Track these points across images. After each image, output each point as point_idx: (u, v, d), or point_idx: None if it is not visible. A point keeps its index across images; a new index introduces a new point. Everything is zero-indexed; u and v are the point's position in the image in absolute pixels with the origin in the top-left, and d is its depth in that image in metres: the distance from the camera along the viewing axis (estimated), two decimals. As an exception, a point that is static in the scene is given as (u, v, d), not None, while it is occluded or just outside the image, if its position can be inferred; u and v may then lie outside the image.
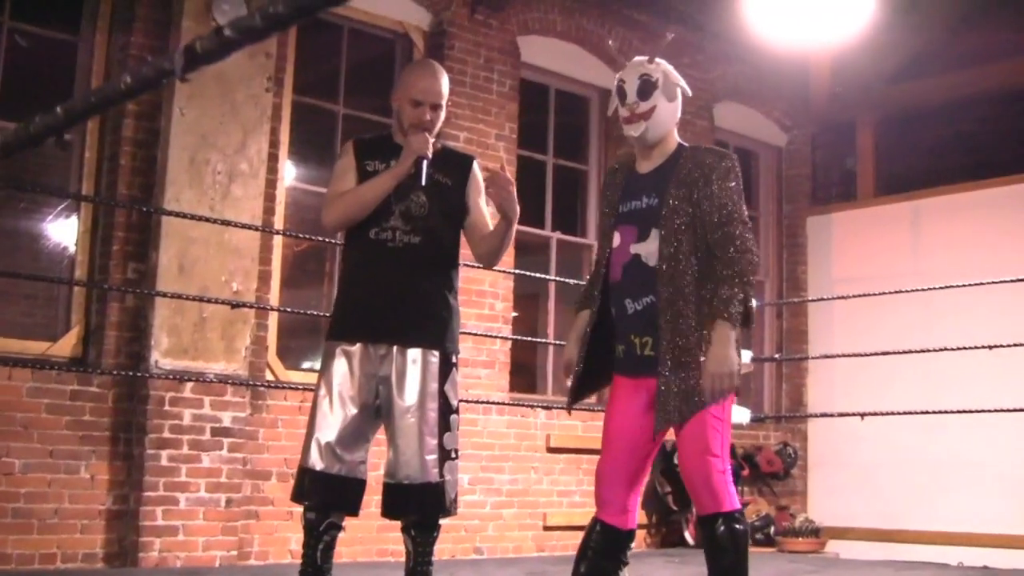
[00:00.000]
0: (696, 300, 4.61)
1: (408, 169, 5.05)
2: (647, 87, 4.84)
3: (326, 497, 5.03)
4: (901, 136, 13.26)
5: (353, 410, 5.02)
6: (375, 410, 5.08)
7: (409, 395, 5.02)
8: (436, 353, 5.09)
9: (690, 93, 5.02)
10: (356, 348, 5.04)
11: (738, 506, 4.67)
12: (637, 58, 5.01)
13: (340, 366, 5.04)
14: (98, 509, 7.79)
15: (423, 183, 5.09)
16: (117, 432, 7.91)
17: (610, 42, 5.73)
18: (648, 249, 4.71)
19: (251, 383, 8.28)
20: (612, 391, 4.92)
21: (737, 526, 4.61)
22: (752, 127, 13.09)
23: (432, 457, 5.01)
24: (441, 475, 5.04)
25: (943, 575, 8.60)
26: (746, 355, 9.88)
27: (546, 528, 10.18)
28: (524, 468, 10.06)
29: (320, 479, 4.98)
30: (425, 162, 5.07)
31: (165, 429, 7.90)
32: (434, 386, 5.06)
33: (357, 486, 5.08)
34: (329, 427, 4.99)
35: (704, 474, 4.60)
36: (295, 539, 8.54)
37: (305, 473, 5.01)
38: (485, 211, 5.35)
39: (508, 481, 9.91)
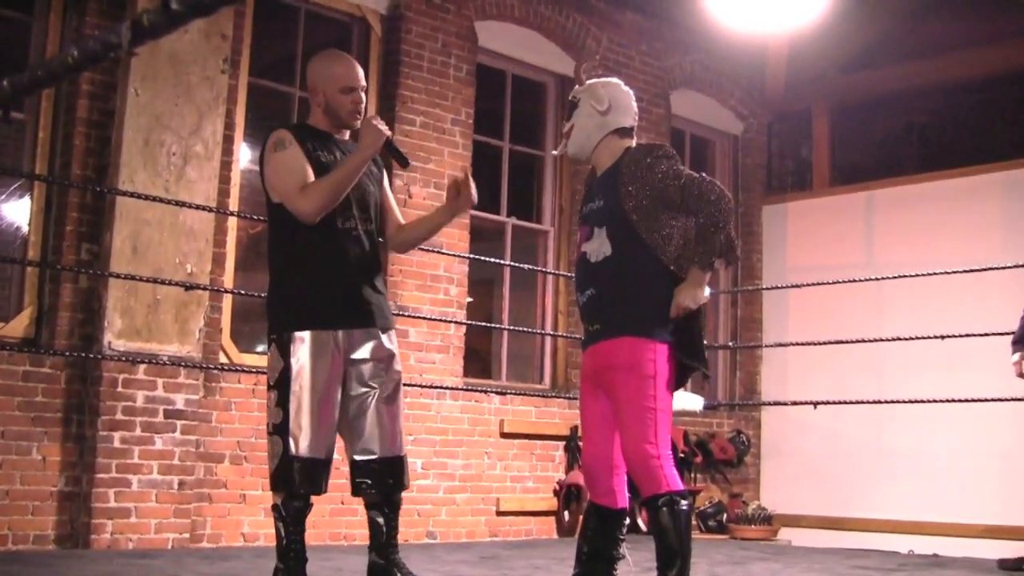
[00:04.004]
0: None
1: (376, 151, 5.20)
2: (570, 108, 5.35)
3: (314, 483, 5.13)
4: (856, 126, 13.33)
5: (329, 395, 5.13)
6: (341, 391, 5.22)
7: (386, 374, 5.25)
8: (394, 334, 5.37)
9: (619, 100, 5.30)
10: (328, 334, 5.14)
11: (678, 487, 4.88)
12: None
13: (314, 353, 5.11)
14: (49, 491, 7.76)
15: (407, 160, 5.42)
16: (69, 413, 7.88)
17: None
18: (591, 247, 5.10)
19: (204, 366, 8.26)
20: (580, 375, 5.32)
21: (676, 506, 4.84)
22: (708, 115, 13.11)
23: (402, 432, 5.29)
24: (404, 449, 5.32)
25: (893, 563, 8.65)
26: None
27: (499, 513, 10.20)
28: (477, 453, 10.07)
29: (309, 465, 5.08)
30: (392, 141, 5.31)
31: (118, 411, 7.87)
32: (399, 365, 5.35)
33: (329, 465, 5.19)
34: (311, 413, 5.09)
35: (641, 460, 4.88)
36: (247, 522, 8.54)
37: (294, 461, 5.06)
38: (393, 201, 5.64)
39: (461, 466, 9.92)
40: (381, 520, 5.27)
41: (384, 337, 5.27)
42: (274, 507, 5.18)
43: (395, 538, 5.30)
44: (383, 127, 5.19)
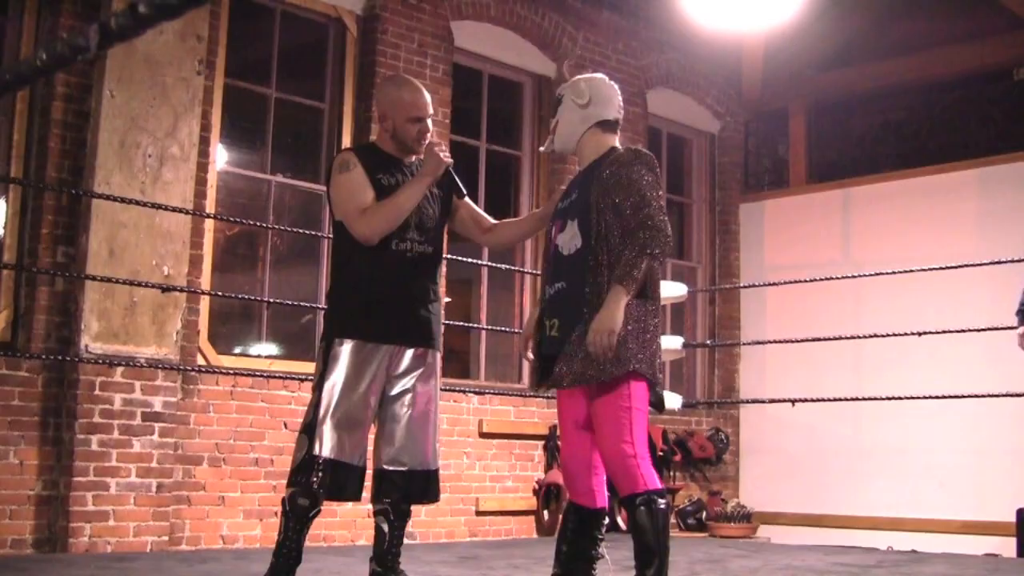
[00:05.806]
0: (598, 285, 4.92)
1: (436, 179, 5.41)
2: (555, 105, 5.39)
3: (337, 486, 5.25)
4: (832, 124, 13.37)
5: (363, 402, 5.28)
6: (378, 403, 5.37)
7: (422, 390, 5.39)
8: (438, 354, 5.55)
9: (601, 93, 5.34)
10: (370, 346, 5.30)
11: (656, 485, 4.88)
12: None
13: (354, 361, 5.29)
14: (27, 495, 7.73)
15: (464, 191, 5.61)
16: (47, 417, 7.86)
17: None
18: (563, 239, 5.11)
19: (182, 367, 8.24)
20: None
21: (654, 505, 4.83)
22: (685, 114, 13.12)
23: (436, 446, 5.47)
24: (437, 463, 5.51)
25: (872, 559, 8.67)
26: (676, 341, 9.96)
27: (479, 513, 10.20)
28: (457, 453, 10.06)
29: (330, 467, 5.20)
30: (452, 170, 5.51)
31: (95, 414, 7.85)
32: (437, 383, 5.51)
33: (362, 473, 5.33)
34: (342, 418, 5.24)
35: (618, 459, 4.89)
36: (227, 524, 8.53)
37: (314, 461, 5.20)
38: (475, 207, 5.83)
39: (440, 466, 9.89)
40: (386, 527, 5.41)
41: (428, 354, 5.44)
42: (282, 501, 5.32)
43: (398, 547, 5.44)
44: (445, 156, 5.42)
